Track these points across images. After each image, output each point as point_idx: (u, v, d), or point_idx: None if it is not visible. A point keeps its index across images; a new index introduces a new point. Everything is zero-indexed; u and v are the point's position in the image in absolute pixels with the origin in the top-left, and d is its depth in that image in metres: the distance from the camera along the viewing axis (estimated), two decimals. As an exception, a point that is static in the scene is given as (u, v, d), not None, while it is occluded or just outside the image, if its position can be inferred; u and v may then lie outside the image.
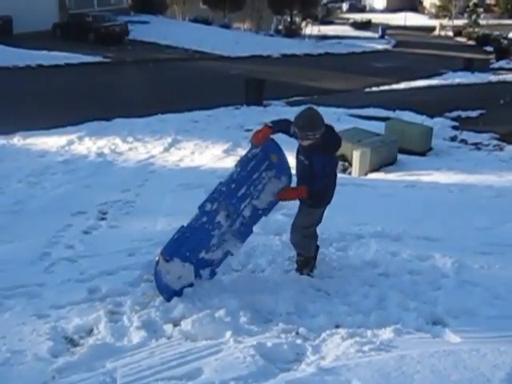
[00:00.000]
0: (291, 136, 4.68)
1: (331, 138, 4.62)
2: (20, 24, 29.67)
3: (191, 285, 4.59)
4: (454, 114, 14.34)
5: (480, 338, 3.99)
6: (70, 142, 10.38)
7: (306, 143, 4.56)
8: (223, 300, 4.43)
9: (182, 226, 4.58)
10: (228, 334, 3.99)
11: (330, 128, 4.63)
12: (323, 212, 4.91)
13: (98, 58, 25.86)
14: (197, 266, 4.59)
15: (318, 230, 4.96)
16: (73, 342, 3.99)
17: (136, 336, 3.99)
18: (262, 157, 4.64)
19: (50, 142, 10.43)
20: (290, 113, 14.61)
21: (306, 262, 5.01)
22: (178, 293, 4.52)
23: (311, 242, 4.97)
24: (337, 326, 4.19)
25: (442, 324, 4.26)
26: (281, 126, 4.72)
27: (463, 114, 14.44)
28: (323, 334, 4.04)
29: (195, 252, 4.56)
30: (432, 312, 4.41)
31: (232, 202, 4.57)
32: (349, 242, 5.78)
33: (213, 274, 4.73)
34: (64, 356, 3.79)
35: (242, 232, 4.68)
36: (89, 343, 3.93)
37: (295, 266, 5.08)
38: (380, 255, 5.45)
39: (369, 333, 4.05)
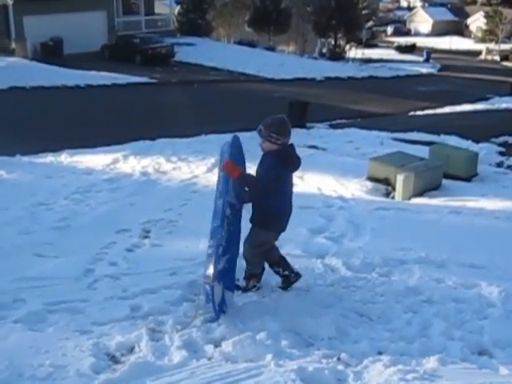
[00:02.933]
0: None
1: (288, 154, 4.65)
2: (70, 45, 30.74)
3: (230, 303, 4.64)
4: (501, 139, 14.05)
5: (529, 371, 3.87)
6: (115, 161, 10.53)
7: (265, 146, 4.63)
8: (264, 322, 4.40)
9: None
10: (269, 356, 3.96)
11: (291, 146, 4.70)
12: (275, 237, 4.94)
13: (144, 79, 26.44)
14: (219, 279, 4.57)
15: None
16: (114, 359, 4.02)
17: (177, 356, 4.00)
18: (221, 156, 4.80)
19: (96, 160, 10.60)
20: (333, 135, 14.45)
21: (250, 276, 5.05)
22: (222, 310, 4.55)
23: (261, 261, 5.02)
24: (379, 353, 4.12)
25: (489, 355, 4.14)
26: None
27: (510, 139, 14.14)
28: (365, 361, 3.97)
29: (215, 267, 4.57)
30: (478, 342, 4.29)
31: (217, 208, 4.67)
32: (392, 268, 5.68)
33: (233, 281, 4.81)
34: (105, 373, 3.83)
35: (232, 231, 4.73)
36: (130, 361, 3.95)
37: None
38: (424, 282, 5.35)
39: (412, 361, 3.96)
